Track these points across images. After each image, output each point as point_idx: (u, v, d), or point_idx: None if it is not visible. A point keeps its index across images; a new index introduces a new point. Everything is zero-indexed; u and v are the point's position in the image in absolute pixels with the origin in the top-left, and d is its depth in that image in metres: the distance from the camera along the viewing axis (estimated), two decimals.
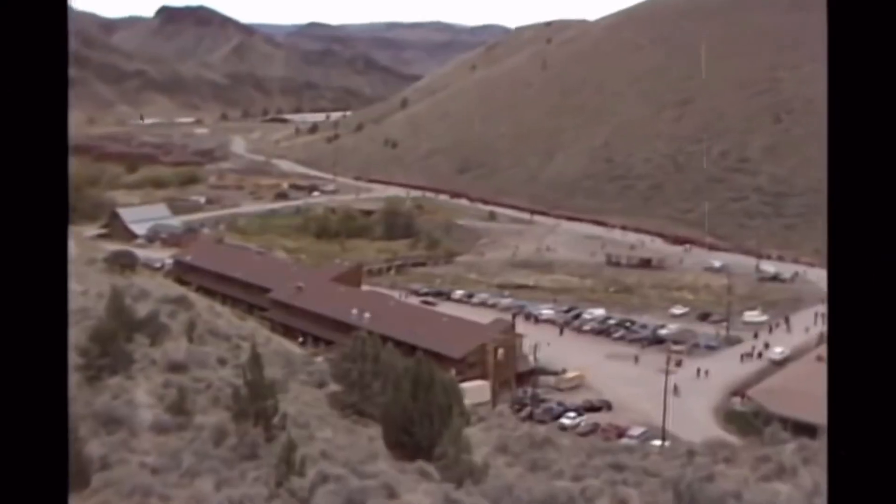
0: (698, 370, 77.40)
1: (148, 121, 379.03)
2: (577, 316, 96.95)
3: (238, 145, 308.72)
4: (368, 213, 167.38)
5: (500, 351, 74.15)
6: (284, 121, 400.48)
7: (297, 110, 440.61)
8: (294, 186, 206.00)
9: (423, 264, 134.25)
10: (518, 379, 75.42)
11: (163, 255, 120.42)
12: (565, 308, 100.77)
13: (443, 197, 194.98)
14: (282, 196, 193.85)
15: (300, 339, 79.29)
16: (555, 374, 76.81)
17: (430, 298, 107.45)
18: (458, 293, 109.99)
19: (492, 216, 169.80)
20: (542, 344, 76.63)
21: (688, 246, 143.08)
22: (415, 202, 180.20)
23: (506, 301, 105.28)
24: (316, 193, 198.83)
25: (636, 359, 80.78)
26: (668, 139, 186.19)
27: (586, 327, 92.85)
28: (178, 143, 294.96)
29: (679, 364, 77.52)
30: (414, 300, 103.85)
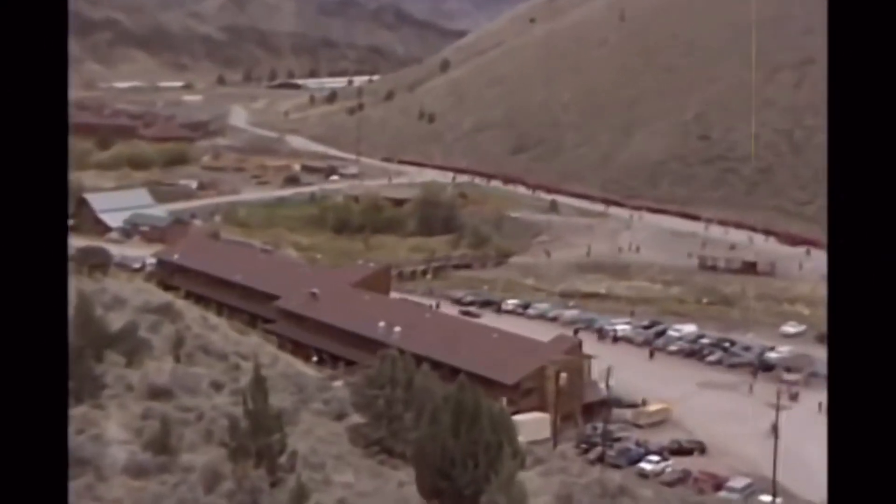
0: (819, 406, 75.98)
1: (123, 84, 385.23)
2: (662, 333, 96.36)
3: (238, 116, 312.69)
4: (400, 202, 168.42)
5: (564, 376, 73.83)
6: (296, 86, 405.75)
7: (312, 74, 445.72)
8: (308, 169, 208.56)
9: (467, 266, 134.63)
10: (586, 411, 75.22)
11: (143, 253, 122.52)
12: (646, 323, 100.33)
13: (493, 183, 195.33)
14: (292, 181, 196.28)
15: (314, 359, 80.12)
16: (633, 406, 76.65)
17: (475, 309, 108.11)
18: (511, 303, 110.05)
19: (554, 207, 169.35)
20: (617, 368, 76.19)
21: (806, 248, 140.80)
22: (458, 189, 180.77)
23: (571, 313, 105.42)
24: (334, 178, 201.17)
25: (751, 388, 79.76)
26: (781, 111, 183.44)
27: (673, 347, 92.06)
28: (162, 113, 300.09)
29: (794, 398, 76.28)
30: (455, 311, 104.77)
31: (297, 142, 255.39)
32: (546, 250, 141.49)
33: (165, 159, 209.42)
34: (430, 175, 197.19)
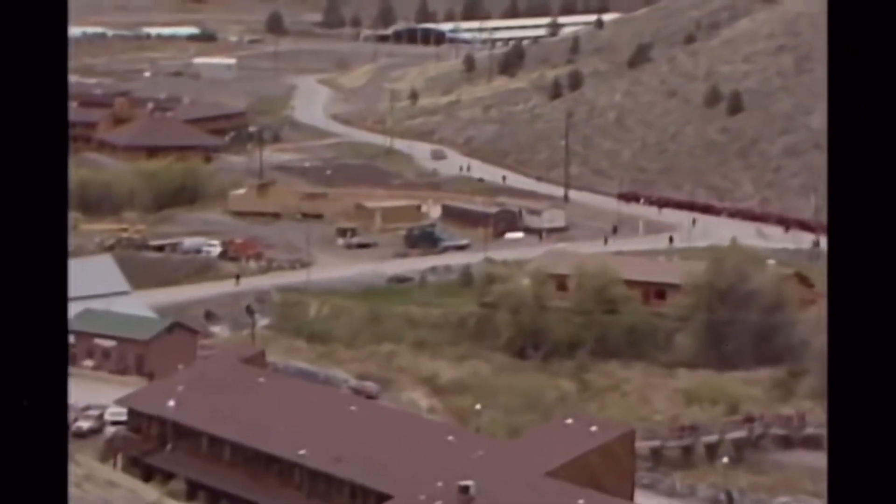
0: None
1: (74, 30, 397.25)
2: None
3: (311, 101, 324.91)
4: (658, 290, 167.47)
5: None
6: (436, 38, 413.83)
7: (469, 14, 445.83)
8: (457, 215, 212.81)
9: (810, 444, 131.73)
10: None
11: (100, 397, 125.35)
12: None
13: None
14: (422, 241, 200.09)
15: None
16: None
17: None
18: None
19: None
20: None
21: None
22: (788, 262, 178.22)
23: None
24: (515, 235, 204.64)
25: None
26: None
27: None
28: (150, 96, 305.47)
29: None
30: None
31: (435, 158, 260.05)
32: None
33: (156, 192, 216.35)
34: (727, 231, 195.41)
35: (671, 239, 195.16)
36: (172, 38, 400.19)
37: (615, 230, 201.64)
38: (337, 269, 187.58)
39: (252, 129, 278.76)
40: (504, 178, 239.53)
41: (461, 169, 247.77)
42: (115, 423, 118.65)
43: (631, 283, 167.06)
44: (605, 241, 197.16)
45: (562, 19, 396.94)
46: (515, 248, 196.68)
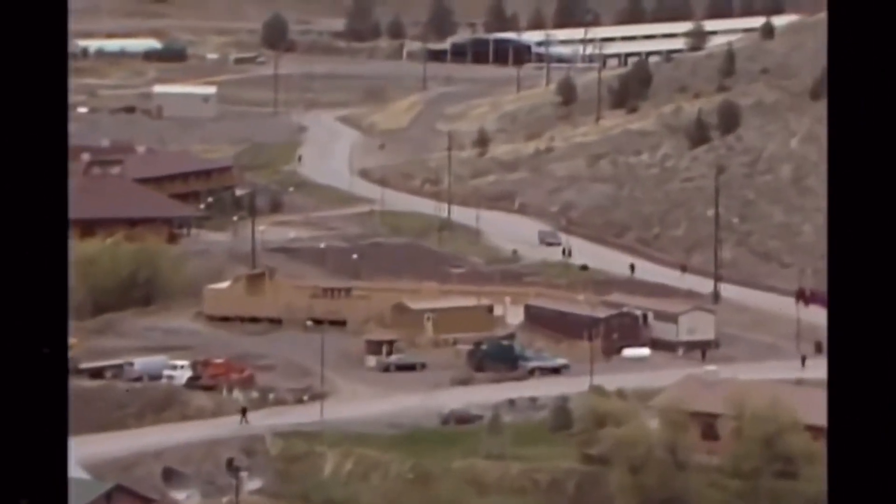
0: None
1: None
2: None
3: (327, 151, 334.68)
4: None
5: None
6: (519, 56, 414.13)
7: (566, 19, 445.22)
8: (543, 321, 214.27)
9: None
10: None
11: None
12: None
13: None
14: (494, 360, 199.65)
15: None
16: None
17: None
18: None
19: None
20: None
21: None
22: None
23: None
24: (637, 353, 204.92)
25: None
26: None
27: None
28: (88, 142, 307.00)
29: None
30: None
31: (543, 240, 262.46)
32: None
33: (95, 288, 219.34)
34: None
35: None
36: (121, 55, 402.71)
37: (819, 348, 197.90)
38: (366, 402, 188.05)
39: (240, 191, 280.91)
40: (632, 266, 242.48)
41: (563, 252, 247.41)
42: None
43: (817, 431, 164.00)
44: (803, 363, 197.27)
45: (709, 24, 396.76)
46: (638, 371, 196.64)
